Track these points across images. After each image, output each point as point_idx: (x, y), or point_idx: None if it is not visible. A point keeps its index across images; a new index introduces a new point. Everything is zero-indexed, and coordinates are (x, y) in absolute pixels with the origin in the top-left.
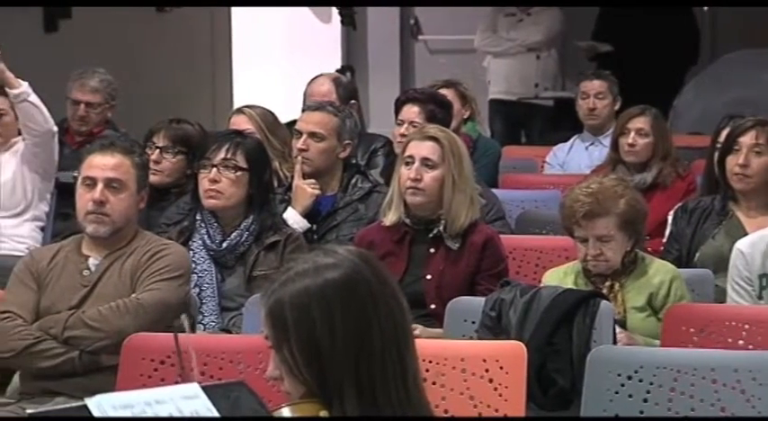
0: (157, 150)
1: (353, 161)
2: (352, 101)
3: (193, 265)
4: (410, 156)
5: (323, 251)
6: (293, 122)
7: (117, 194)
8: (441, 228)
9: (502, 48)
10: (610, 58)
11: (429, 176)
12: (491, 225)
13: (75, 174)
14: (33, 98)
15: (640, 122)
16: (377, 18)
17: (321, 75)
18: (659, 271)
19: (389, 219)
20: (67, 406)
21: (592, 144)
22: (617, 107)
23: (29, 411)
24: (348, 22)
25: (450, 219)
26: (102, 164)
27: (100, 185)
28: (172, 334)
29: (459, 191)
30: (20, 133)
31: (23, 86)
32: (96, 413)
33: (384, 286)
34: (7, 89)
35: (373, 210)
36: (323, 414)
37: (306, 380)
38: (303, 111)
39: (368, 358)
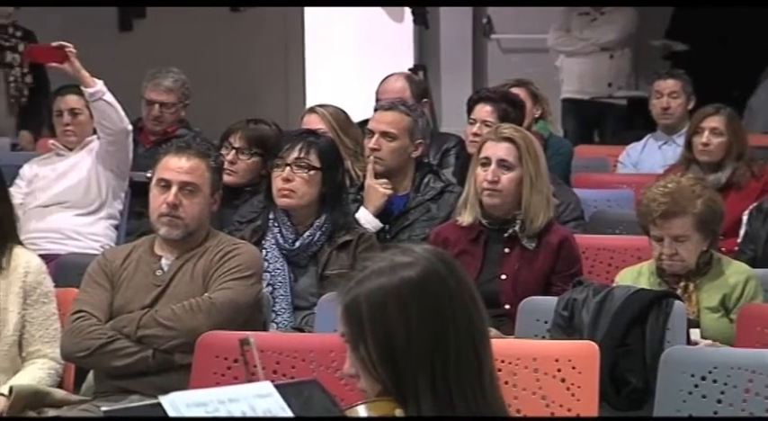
0: (233, 151)
1: (425, 160)
2: (425, 99)
3: (266, 264)
4: (486, 158)
5: (399, 249)
6: (365, 122)
7: (191, 198)
8: (516, 227)
9: (575, 47)
10: (684, 56)
11: (506, 178)
12: (567, 224)
13: (149, 175)
14: (108, 97)
15: (714, 122)
16: (449, 17)
17: (393, 73)
18: (735, 272)
19: (465, 219)
20: (142, 403)
21: (665, 143)
22: (691, 106)
23: (104, 409)
24: (420, 21)
25: (528, 220)
26: (177, 166)
27: (174, 188)
28: (240, 341)
29: (537, 191)
30: (95, 132)
31: (98, 85)
32: (170, 411)
33: (460, 285)
34: (83, 88)
35: (446, 210)
36: (398, 412)
37: (381, 378)
38: (375, 110)
39: (443, 357)
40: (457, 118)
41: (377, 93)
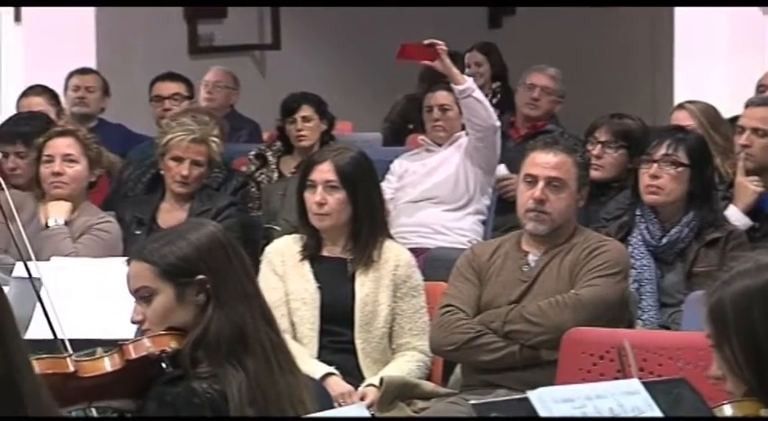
0: (599, 145)
1: None
2: None
3: (632, 261)
4: None
5: (766, 250)
6: (736, 118)
7: (557, 193)
8: None
9: None
10: None
11: None
12: None
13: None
14: (477, 94)
15: None
16: None
17: None
18: None
19: None
20: (509, 398)
21: None
22: None
23: (472, 402)
24: None
25: None
26: (543, 162)
27: (541, 184)
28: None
29: None
30: (463, 128)
31: (468, 82)
32: (538, 406)
33: None
34: (452, 85)
35: None
36: (763, 412)
37: (747, 378)
38: (746, 106)
39: None
40: None
41: (759, 81)
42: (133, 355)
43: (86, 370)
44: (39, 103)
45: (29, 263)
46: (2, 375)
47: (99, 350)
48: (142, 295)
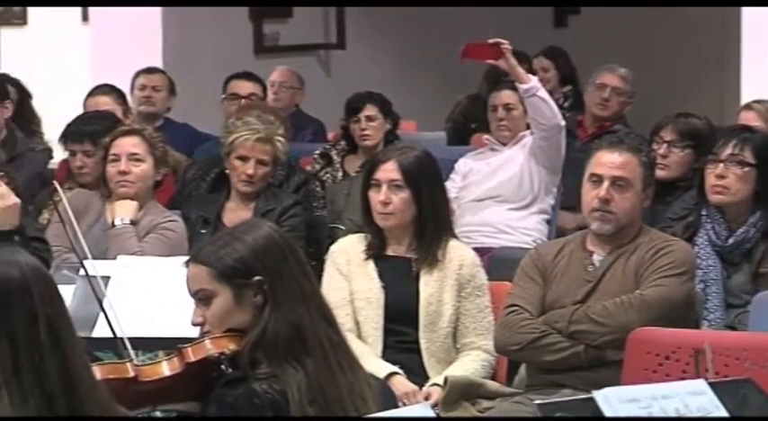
0: (665, 144)
1: None
2: None
3: (698, 261)
4: None
5: None
6: None
7: (622, 193)
8: None
9: None
10: None
11: None
12: None
13: None
14: (542, 93)
15: None
16: None
17: None
18: None
19: None
20: (575, 397)
21: None
22: None
23: (537, 402)
24: None
25: None
26: (609, 161)
27: (606, 183)
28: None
29: None
30: (528, 127)
31: (533, 81)
32: (603, 406)
33: None
34: (517, 84)
35: None
36: None
37: None
38: None
39: None
40: None
41: None
42: (192, 358)
43: (146, 374)
44: (106, 103)
45: (87, 263)
46: (59, 375)
47: (161, 353)
48: (201, 297)
